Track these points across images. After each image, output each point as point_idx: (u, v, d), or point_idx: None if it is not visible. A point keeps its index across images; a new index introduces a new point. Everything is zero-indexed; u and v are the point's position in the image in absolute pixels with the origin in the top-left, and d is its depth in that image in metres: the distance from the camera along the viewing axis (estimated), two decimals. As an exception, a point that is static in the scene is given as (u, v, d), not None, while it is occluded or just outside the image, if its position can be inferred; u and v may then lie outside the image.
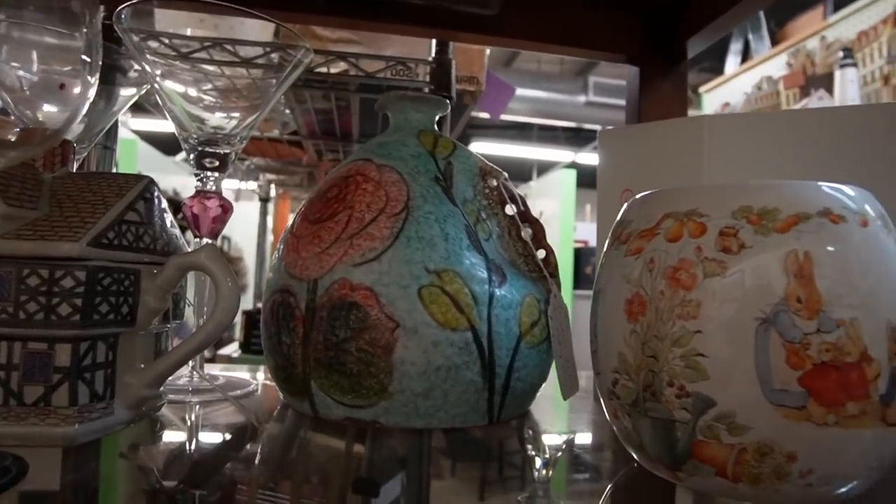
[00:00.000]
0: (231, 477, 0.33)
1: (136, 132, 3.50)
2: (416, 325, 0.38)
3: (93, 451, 0.33)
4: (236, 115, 0.48)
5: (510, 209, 0.47)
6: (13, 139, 0.31)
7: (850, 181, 0.35)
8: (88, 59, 0.31)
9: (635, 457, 0.29)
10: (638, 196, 0.31)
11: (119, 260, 0.33)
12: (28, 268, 0.31)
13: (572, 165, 4.67)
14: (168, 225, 0.38)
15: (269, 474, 0.33)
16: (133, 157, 3.27)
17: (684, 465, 0.26)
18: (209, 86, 0.47)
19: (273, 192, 2.20)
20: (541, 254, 0.47)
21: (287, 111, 1.02)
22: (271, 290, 0.43)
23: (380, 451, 0.38)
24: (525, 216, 0.47)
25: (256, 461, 0.36)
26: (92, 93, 0.34)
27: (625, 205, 0.32)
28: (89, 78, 0.31)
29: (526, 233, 0.47)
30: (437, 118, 0.50)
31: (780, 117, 0.50)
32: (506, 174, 0.48)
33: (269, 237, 2.30)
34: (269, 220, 2.33)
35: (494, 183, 0.47)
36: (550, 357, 0.45)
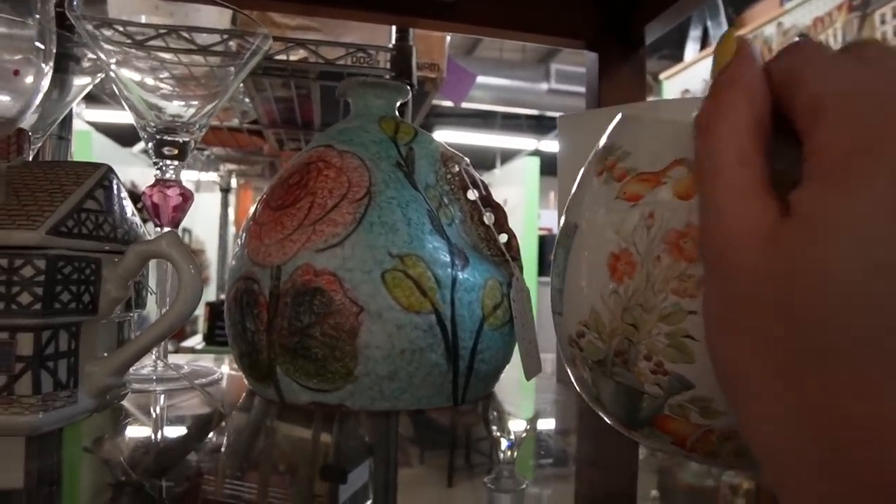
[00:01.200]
0: (198, 465, 0.33)
1: (91, 123, 3.42)
2: (380, 310, 0.39)
3: (57, 441, 0.33)
4: (195, 103, 0.48)
5: (472, 194, 0.48)
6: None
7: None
8: (42, 47, 0.31)
9: (585, 399, 0.28)
10: (638, 111, 0.27)
11: (79, 248, 0.33)
12: (-14, 257, 0.31)
13: (536, 153, 4.71)
14: (128, 213, 0.39)
15: (237, 461, 0.34)
16: (88, 148, 3.19)
17: (642, 429, 0.25)
18: (166, 74, 0.47)
19: (234, 183, 2.18)
20: (503, 238, 0.48)
21: (247, 100, 1.01)
22: (234, 277, 0.43)
23: (347, 435, 0.39)
24: (487, 201, 0.48)
25: (224, 448, 0.37)
26: (46, 81, 0.34)
27: (618, 117, 0.28)
28: (43, 66, 0.31)
29: (488, 217, 0.48)
30: (397, 104, 0.51)
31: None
32: (467, 160, 0.49)
33: (231, 229, 2.27)
34: (231, 211, 2.30)
35: (456, 168, 0.48)
36: (513, 339, 0.46)
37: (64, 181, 0.34)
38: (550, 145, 4.85)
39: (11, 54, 0.30)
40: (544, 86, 3.71)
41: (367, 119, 0.48)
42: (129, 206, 0.39)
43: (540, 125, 4.76)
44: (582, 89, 0.71)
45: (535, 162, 4.23)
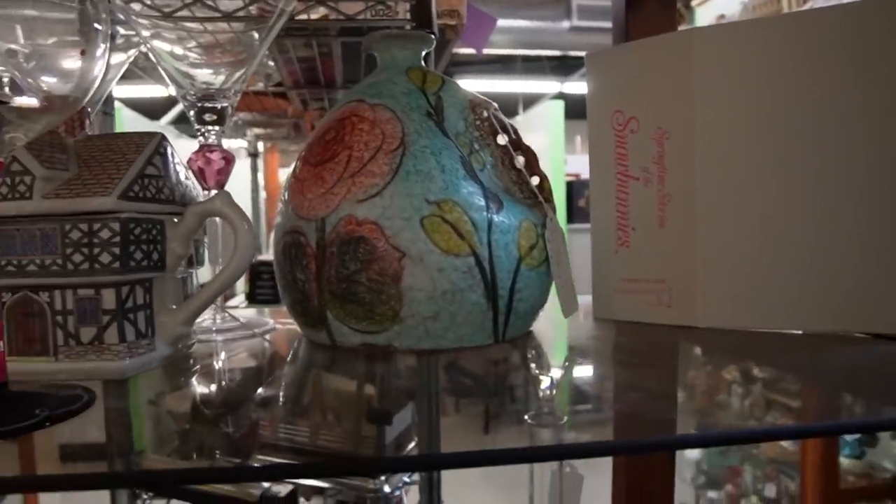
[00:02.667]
0: (256, 409, 0.36)
1: (119, 99, 3.48)
2: (420, 254, 0.42)
3: (142, 383, 0.38)
4: (223, 70, 0.51)
5: (502, 139, 0.50)
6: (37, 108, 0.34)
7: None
8: (101, 27, 0.34)
9: None
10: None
11: (145, 211, 0.38)
12: (69, 223, 0.35)
13: (559, 96, 4.65)
14: (182, 177, 0.43)
15: (291, 405, 0.37)
16: (118, 123, 3.25)
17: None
18: (193, 43, 0.50)
19: (261, 147, 2.21)
20: (534, 180, 0.51)
21: (270, 63, 1.04)
22: (281, 231, 0.47)
23: (393, 373, 0.43)
24: (517, 144, 0.51)
25: (280, 393, 0.40)
26: (106, 59, 0.38)
27: None
28: (103, 45, 0.34)
29: (518, 161, 0.51)
30: (423, 54, 0.53)
31: (777, 22, 0.51)
32: (495, 105, 0.52)
33: (262, 193, 2.32)
34: (260, 176, 2.34)
35: (485, 114, 0.51)
36: (550, 279, 0.49)
37: (125, 150, 0.38)
38: (575, 87, 4.78)
39: (77, 35, 0.33)
40: (566, 24, 3.64)
41: (394, 71, 0.51)
42: (182, 170, 0.43)
43: (563, 66, 4.68)
44: (607, 24, 0.70)
45: (560, 106, 4.18)
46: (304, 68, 1.04)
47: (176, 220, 0.40)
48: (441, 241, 0.43)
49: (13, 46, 0.31)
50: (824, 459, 1.11)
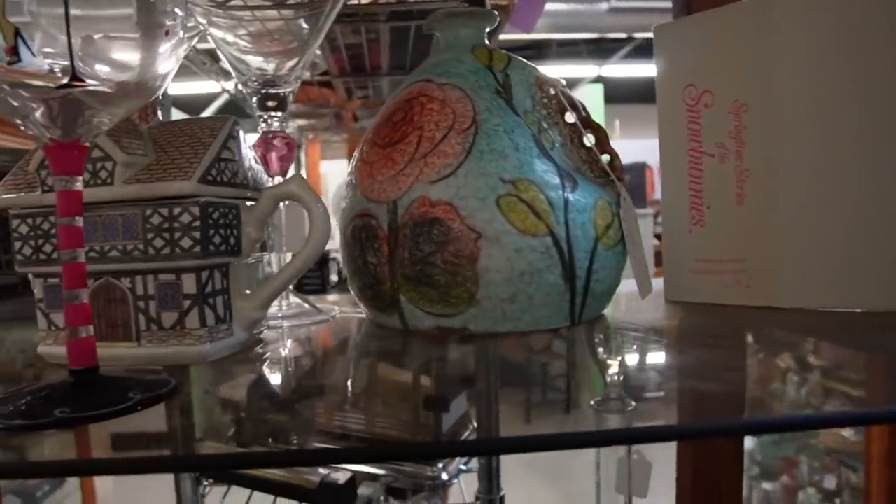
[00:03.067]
0: (323, 395, 0.36)
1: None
2: (497, 234, 0.41)
3: (221, 368, 0.38)
4: (273, 59, 0.50)
5: (570, 116, 0.49)
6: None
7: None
8: (181, 13, 0.34)
9: None
10: None
11: (223, 195, 0.37)
12: (150, 208, 0.35)
13: (598, 80, 4.59)
14: (253, 161, 0.42)
15: (351, 390, 0.36)
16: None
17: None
18: (243, 31, 0.50)
19: (303, 139, 2.22)
20: (605, 158, 0.49)
21: (318, 51, 1.04)
22: (350, 215, 0.47)
23: (465, 356, 0.42)
24: (586, 122, 0.49)
25: (348, 378, 0.40)
26: (182, 50, 0.38)
27: None
28: (181, 33, 0.34)
29: (588, 139, 0.49)
30: (486, 31, 0.52)
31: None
32: (563, 82, 0.51)
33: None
34: (302, 169, 2.35)
35: (552, 92, 0.49)
36: (625, 259, 0.48)
37: (200, 135, 0.38)
38: (614, 70, 4.71)
39: (162, 18, 0.32)
40: (604, 5, 3.58)
41: (459, 50, 0.50)
42: (252, 155, 0.43)
43: (600, 49, 4.62)
44: (648, 4, 0.69)
45: (598, 90, 4.13)
46: (351, 55, 1.03)
47: (249, 204, 0.40)
48: (518, 220, 0.42)
49: (89, 32, 0.31)
50: (891, 449, 1.02)
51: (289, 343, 0.46)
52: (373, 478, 0.86)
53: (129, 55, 0.32)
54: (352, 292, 0.50)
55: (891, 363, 0.37)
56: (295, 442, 0.28)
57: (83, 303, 0.29)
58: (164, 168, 0.36)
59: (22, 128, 0.28)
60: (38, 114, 0.27)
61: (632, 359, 0.41)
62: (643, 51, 4.20)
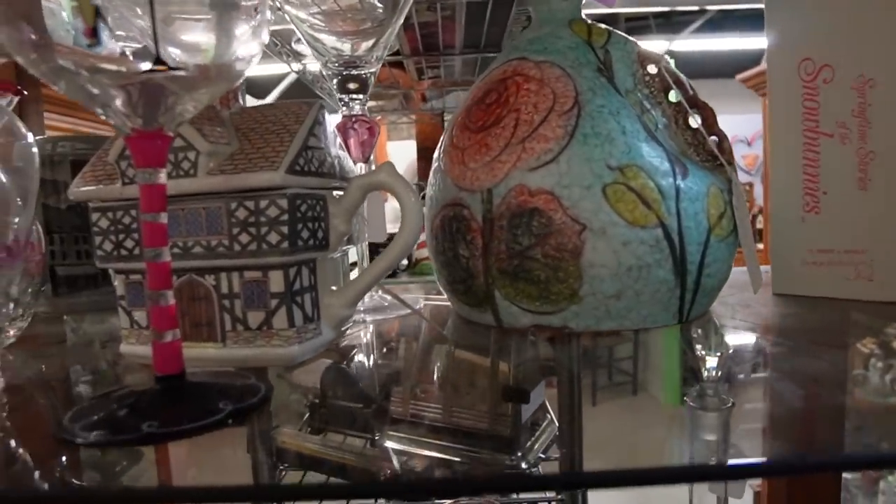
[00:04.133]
0: (411, 387, 0.34)
1: None
2: (603, 226, 0.37)
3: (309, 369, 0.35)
4: (347, 39, 0.47)
5: (674, 95, 0.44)
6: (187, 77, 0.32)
7: None
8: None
9: None
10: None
11: (310, 186, 0.34)
12: (235, 201, 0.32)
13: (668, 55, 4.41)
14: (339, 148, 0.39)
15: (434, 382, 0.35)
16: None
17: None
18: (315, 9, 0.47)
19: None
20: (713, 140, 0.44)
21: None
22: (439, 205, 0.43)
23: (564, 352, 0.38)
24: (693, 101, 0.44)
25: (437, 371, 0.37)
26: (264, 34, 0.35)
27: None
28: (265, 13, 0.31)
29: (694, 120, 0.44)
30: (582, 4, 0.48)
31: None
32: (667, 57, 0.46)
33: (372, 168, 2.30)
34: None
35: (655, 69, 0.44)
36: (734, 250, 0.43)
37: (285, 121, 0.35)
38: (685, 44, 4.51)
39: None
40: (676, -22, 3.42)
41: (556, 24, 0.45)
42: (337, 141, 0.40)
43: (669, 23, 4.42)
44: None
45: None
46: (425, 34, 0.99)
47: (336, 194, 0.37)
48: (626, 211, 0.37)
49: (165, 13, 0.28)
50: None
51: (378, 341, 0.43)
52: (447, 464, 0.83)
53: (204, 36, 0.29)
54: (439, 286, 0.46)
55: None
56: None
57: (169, 304, 0.26)
58: (249, 158, 0.33)
59: (103, 117, 0.25)
60: (118, 101, 0.25)
61: (727, 355, 0.37)
62: (716, 24, 3.99)
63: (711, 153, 0.44)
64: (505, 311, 0.40)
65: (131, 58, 0.26)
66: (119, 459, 0.25)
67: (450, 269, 0.43)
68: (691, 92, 0.45)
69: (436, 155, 0.46)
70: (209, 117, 0.34)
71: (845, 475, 1.42)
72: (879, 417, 0.28)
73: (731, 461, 0.24)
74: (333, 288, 0.38)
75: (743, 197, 0.44)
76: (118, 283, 0.35)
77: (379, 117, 2.26)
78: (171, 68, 0.25)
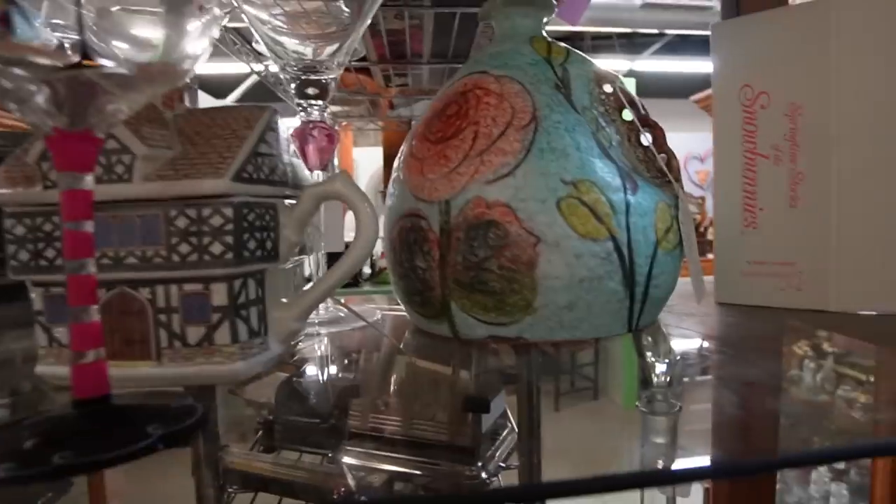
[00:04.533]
0: (368, 401, 0.32)
1: None
2: (557, 239, 0.36)
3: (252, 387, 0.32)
4: (310, 42, 0.44)
5: (627, 114, 0.42)
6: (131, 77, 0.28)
7: None
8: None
9: None
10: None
11: (259, 194, 0.32)
12: (175, 209, 0.29)
13: (630, 74, 4.43)
14: (293, 155, 0.36)
15: (386, 394, 0.34)
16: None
17: None
18: (278, 10, 0.44)
19: (335, 127, 2.13)
20: (662, 158, 0.43)
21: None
22: (397, 215, 0.41)
23: (517, 364, 0.37)
24: (645, 121, 0.43)
25: (391, 385, 0.36)
26: (215, 31, 0.32)
27: None
28: (216, 10, 0.28)
29: (646, 138, 0.43)
30: (544, 22, 0.45)
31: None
32: (621, 77, 0.44)
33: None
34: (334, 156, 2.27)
35: (610, 88, 0.43)
36: (681, 263, 0.42)
37: (234, 126, 0.32)
38: (646, 65, 4.54)
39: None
40: (638, 1, 3.43)
41: (517, 41, 0.43)
42: (291, 148, 0.37)
43: (632, 44, 4.45)
44: (680, 0, 0.64)
45: (631, 84, 3.99)
46: (392, 41, 0.96)
47: (288, 203, 0.34)
48: (579, 224, 0.36)
49: (105, 3, 0.24)
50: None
51: (329, 354, 0.40)
52: (407, 478, 0.81)
53: (152, 32, 0.25)
54: (397, 298, 0.44)
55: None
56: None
57: (92, 321, 0.23)
58: (193, 163, 0.30)
59: (17, 114, 0.22)
60: (39, 98, 0.21)
61: (673, 362, 0.37)
62: (675, 46, 4.06)
63: (660, 170, 0.42)
64: (462, 322, 0.38)
65: (70, 51, 0.22)
66: (41, 493, 0.22)
67: (407, 281, 0.40)
68: (643, 112, 0.43)
69: (395, 164, 0.44)
70: (150, 119, 0.31)
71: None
72: (811, 414, 0.29)
73: (680, 465, 0.24)
74: (284, 300, 0.35)
75: (689, 212, 0.43)
76: (36, 296, 0.31)
77: (345, 123, 2.22)
78: (98, 65, 0.22)
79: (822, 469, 1.42)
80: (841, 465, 1.37)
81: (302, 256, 0.38)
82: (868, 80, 0.44)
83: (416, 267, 0.39)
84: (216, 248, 0.29)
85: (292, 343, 0.35)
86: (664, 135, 0.43)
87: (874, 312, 0.45)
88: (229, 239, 0.29)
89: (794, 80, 0.47)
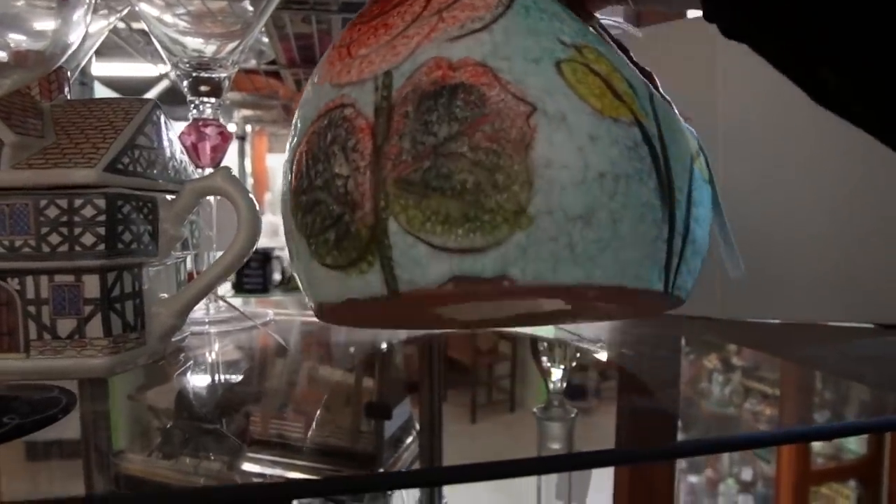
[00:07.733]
0: (254, 405, 0.34)
1: (97, 77, 3.64)
2: (561, 110, 0.26)
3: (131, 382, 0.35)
4: (214, 41, 0.46)
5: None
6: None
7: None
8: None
9: None
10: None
11: (136, 187, 0.33)
12: (45, 198, 0.30)
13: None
14: (178, 152, 0.39)
15: (284, 399, 0.35)
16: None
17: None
18: (182, 10, 0.46)
19: (248, 130, 2.14)
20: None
21: (264, 38, 0.99)
22: (306, 124, 0.30)
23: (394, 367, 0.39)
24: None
25: (281, 386, 0.38)
26: (88, 16, 0.33)
27: None
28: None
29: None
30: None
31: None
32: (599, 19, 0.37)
33: (249, 179, 2.25)
34: (248, 161, 2.24)
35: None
36: (711, 209, 0.33)
37: (112, 117, 0.34)
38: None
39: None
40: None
41: None
42: (177, 144, 0.39)
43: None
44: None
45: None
46: (301, 46, 1.00)
47: (170, 198, 0.36)
48: (590, 95, 0.26)
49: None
50: (799, 445, 1.20)
51: (213, 352, 0.42)
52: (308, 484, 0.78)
53: (46, 21, 0.28)
54: (294, 268, 0.33)
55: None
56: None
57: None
58: (65, 153, 0.31)
59: None
60: None
61: (570, 367, 0.40)
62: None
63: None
64: (404, 257, 0.26)
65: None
66: None
67: (315, 213, 0.29)
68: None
69: (315, 71, 0.34)
70: (23, 107, 0.33)
71: (692, 479, 1.70)
72: (710, 414, 0.34)
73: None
74: (164, 296, 0.36)
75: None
76: None
77: (259, 128, 2.22)
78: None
79: (730, 481, 1.62)
80: (748, 478, 1.59)
81: (186, 253, 0.39)
82: (751, 93, 0.48)
83: (332, 181, 0.28)
84: (87, 240, 0.30)
85: (173, 339, 0.37)
86: (655, 80, 0.34)
87: (758, 320, 0.49)
88: (101, 230, 0.30)
89: (681, 93, 0.39)
